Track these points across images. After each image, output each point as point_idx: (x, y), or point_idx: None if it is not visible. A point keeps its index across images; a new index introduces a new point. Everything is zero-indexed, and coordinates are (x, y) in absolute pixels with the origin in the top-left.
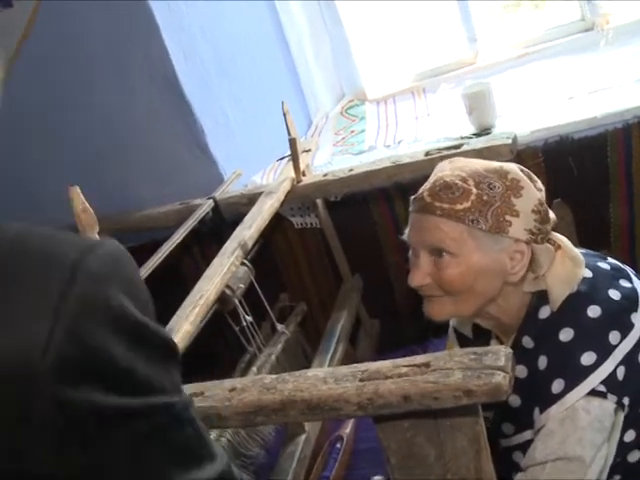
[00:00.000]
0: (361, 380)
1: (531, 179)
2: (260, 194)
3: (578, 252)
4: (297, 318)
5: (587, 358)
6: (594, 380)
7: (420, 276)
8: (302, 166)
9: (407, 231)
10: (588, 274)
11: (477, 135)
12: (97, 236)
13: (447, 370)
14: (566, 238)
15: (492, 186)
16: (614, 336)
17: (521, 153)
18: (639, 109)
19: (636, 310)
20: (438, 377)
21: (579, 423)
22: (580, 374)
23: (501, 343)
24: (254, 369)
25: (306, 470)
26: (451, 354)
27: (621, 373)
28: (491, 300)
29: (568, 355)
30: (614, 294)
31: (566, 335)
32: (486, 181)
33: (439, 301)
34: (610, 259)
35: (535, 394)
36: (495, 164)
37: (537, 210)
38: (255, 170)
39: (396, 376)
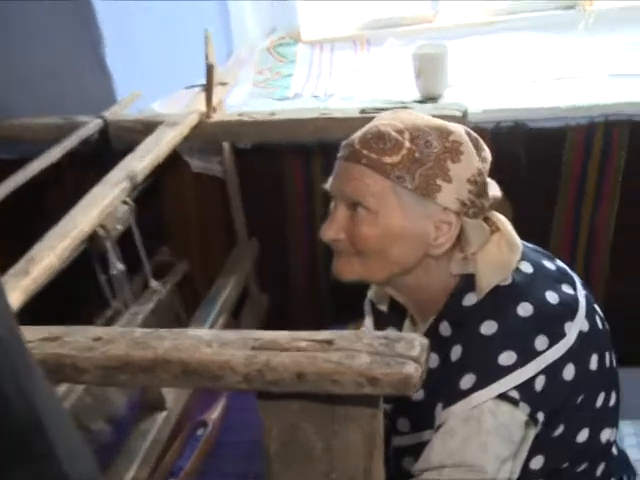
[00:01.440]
0: (252, 348)
1: (477, 146)
2: (160, 123)
3: (518, 239)
4: (176, 277)
5: (506, 358)
6: (508, 383)
7: (333, 230)
8: (215, 100)
9: (330, 179)
10: (528, 269)
11: (421, 102)
12: None
13: (353, 352)
14: (507, 221)
15: (429, 144)
16: (541, 341)
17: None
18: (608, 107)
19: (572, 320)
20: (341, 357)
21: (484, 425)
22: (494, 373)
23: (414, 325)
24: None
25: (159, 455)
26: (359, 335)
27: (540, 384)
28: (407, 270)
29: (486, 350)
30: (552, 297)
31: (488, 328)
32: (423, 137)
33: (349, 259)
34: (559, 262)
35: (441, 388)
36: (440, 122)
37: (474, 180)
38: (156, 96)
39: (294, 350)
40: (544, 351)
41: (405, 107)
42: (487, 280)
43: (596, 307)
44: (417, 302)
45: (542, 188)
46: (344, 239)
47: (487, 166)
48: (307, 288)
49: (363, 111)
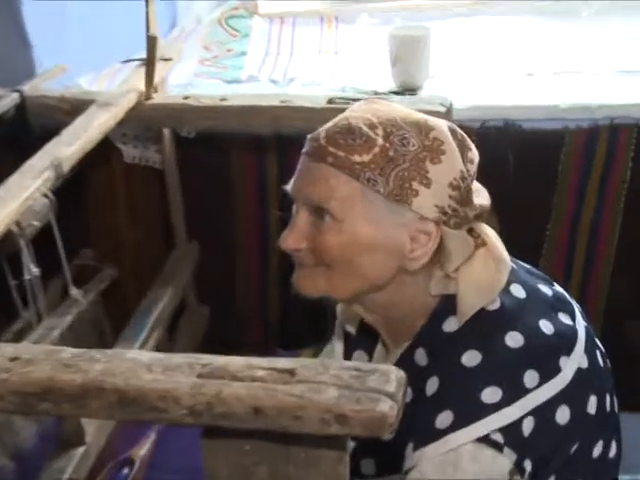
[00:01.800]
0: (200, 376)
1: (463, 146)
2: (90, 103)
3: (506, 256)
4: (101, 285)
5: (490, 394)
6: (491, 424)
7: (294, 238)
8: (156, 78)
9: (293, 179)
10: (520, 293)
11: (397, 94)
12: None
13: (318, 384)
14: (496, 235)
15: (405, 141)
16: (531, 377)
17: None
18: (614, 108)
19: (568, 354)
20: (305, 391)
21: (462, 472)
22: (476, 411)
23: (387, 351)
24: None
25: None
26: (326, 364)
27: (528, 427)
28: (379, 287)
29: (467, 384)
30: (546, 327)
31: (471, 359)
32: (400, 133)
33: (312, 272)
34: (557, 286)
35: (413, 425)
36: (420, 116)
37: (456, 185)
38: (84, 71)
39: (249, 379)
40: (534, 389)
41: (380, 99)
42: (470, 302)
43: (597, 341)
44: (390, 324)
45: (534, 199)
46: (306, 249)
47: (474, 168)
48: (255, 303)
49: (331, 101)
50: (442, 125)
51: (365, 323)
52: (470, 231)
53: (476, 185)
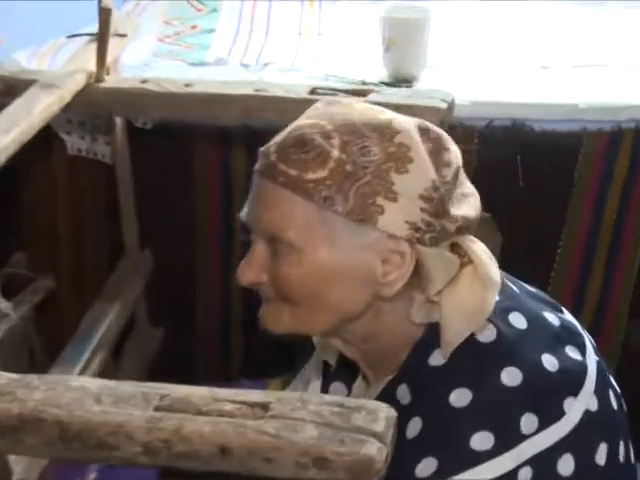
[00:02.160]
0: (157, 409)
1: (437, 148)
2: (30, 83)
3: (496, 274)
4: (35, 297)
5: (480, 440)
6: (481, 474)
7: (252, 272)
8: (109, 57)
9: (247, 203)
10: (521, 323)
11: (389, 85)
12: None
13: (295, 421)
14: (485, 250)
15: (366, 150)
16: (529, 421)
17: (448, 132)
18: None
19: (574, 395)
20: (280, 428)
21: None
22: (463, 459)
23: (368, 385)
24: None
25: None
26: (304, 399)
27: (525, 479)
28: (353, 318)
29: (454, 427)
30: (550, 362)
31: (460, 398)
32: (359, 142)
33: (277, 307)
34: (567, 315)
35: (390, 472)
36: (385, 117)
37: (428, 197)
38: (22, 45)
39: (215, 414)
40: (533, 435)
41: (370, 90)
42: (455, 330)
43: (611, 380)
44: (370, 357)
45: (545, 212)
46: (267, 282)
47: (451, 172)
48: (216, 324)
49: (313, 91)
50: (409, 126)
51: (344, 356)
52: (454, 247)
53: (465, 189)
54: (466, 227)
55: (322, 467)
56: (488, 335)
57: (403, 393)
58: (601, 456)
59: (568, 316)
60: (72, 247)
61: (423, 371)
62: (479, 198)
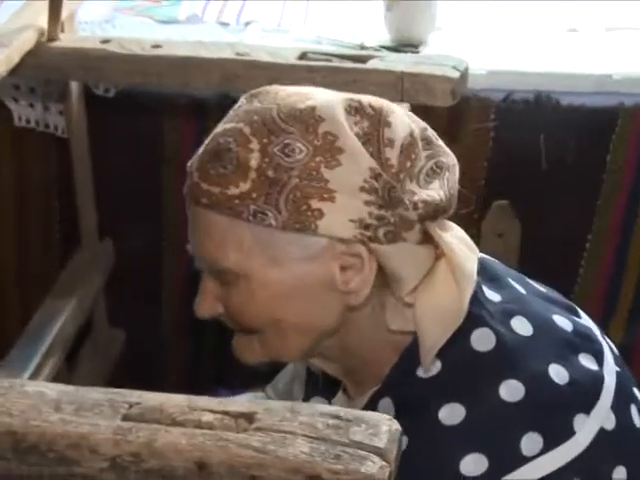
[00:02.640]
0: (126, 418)
1: (375, 125)
2: None
3: (471, 265)
4: None
5: (471, 463)
6: None
7: (206, 305)
8: (64, 13)
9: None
10: (525, 329)
11: (392, 50)
12: None
13: (284, 434)
14: (460, 237)
15: (289, 149)
16: (532, 442)
17: (460, 106)
18: None
19: (587, 411)
20: (266, 442)
21: None
22: None
23: (349, 399)
24: None
25: None
26: (295, 408)
27: None
28: (328, 334)
29: (443, 448)
30: (558, 374)
31: (451, 415)
32: (280, 141)
33: (247, 338)
34: (583, 318)
35: None
36: (307, 103)
37: (370, 187)
38: None
39: (192, 425)
40: (536, 457)
41: (369, 56)
42: (428, 336)
43: (636, 393)
44: (352, 370)
45: (572, 200)
46: (225, 315)
47: (396, 152)
48: (185, 326)
49: (304, 56)
50: (334, 108)
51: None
52: (427, 239)
53: (438, 160)
54: (432, 213)
55: None
56: (486, 343)
57: (386, 407)
58: None
59: (585, 320)
60: (17, 235)
61: (409, 383)
62: (457, 168)
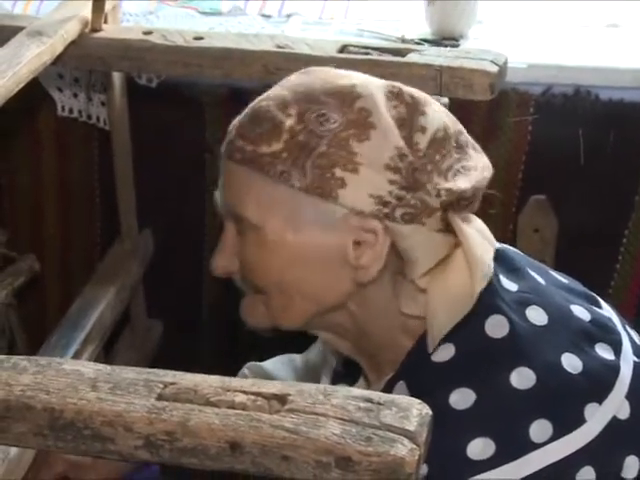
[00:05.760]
0: (161, 398)
1: (413, 111)
2: (16, 30)
3: (488, 258)
4: (16, 280)
5: (478, 447)
6: None
7: (223, 260)
8: (108, 4)
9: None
10: (540, 318)
11: (432, 43)
12: None
13: (316, 416)
14: (481, 229)
15: (323, 118)
16: (541, 429)
17: (499, 99)
18: None
19: (599, 401)
20: (299, 424)
21: None
22: (457, 468)
23: (368, 386)
24: None
25: None
26: (327, 391)
27: None
28: (331, 308)
29: (450, 431)
30: (571, 363)
31: (461, 399)
32: (316, 109)
33: (253, 299)
34: (604, 308)
35: None
36: (350, 81)
37: (395, 166)
38: None
39: (225, 405)
40: (545, 443)
41: (408, 49)
42: (436, 322)
43: None
44: (366, 352)
45: (610, 197)
46: (238, 270)
47: (426, 139)
48: (226, 318)
49: (344, 48)
50: (375, 90)
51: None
52: (448, 228)
53: (469, 162)
54: (457, 202)
55: (345, 468)
56: (499, 330)
57: (400, 391)
58: (630, 471)
59: (606, 311)
60: (59, 225)
61: (424, 368)
62: (489, 172)
